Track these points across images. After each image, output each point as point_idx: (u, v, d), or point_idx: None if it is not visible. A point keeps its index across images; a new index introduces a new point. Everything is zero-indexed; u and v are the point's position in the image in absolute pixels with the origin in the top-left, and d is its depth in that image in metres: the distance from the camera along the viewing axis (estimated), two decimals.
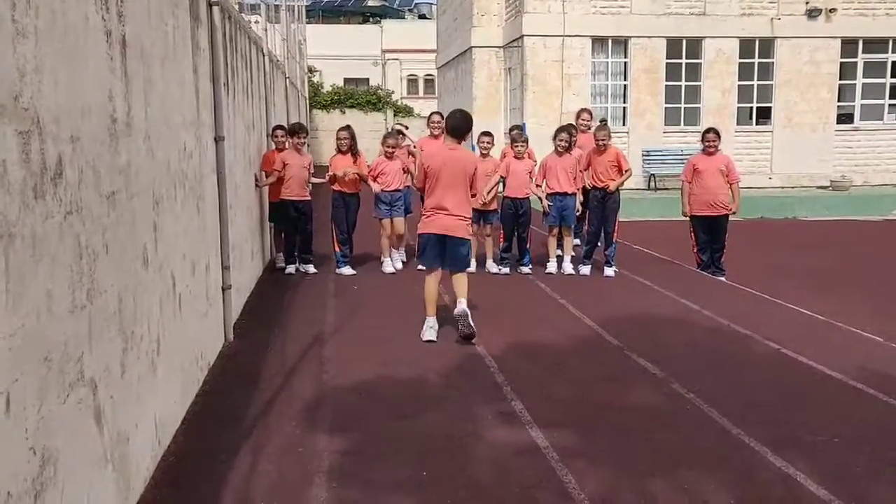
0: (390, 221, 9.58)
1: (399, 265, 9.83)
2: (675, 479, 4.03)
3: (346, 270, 9.47)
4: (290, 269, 9.48)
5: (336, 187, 9.39)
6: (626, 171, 9.43)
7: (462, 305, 6.64)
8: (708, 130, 9.72)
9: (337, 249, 9.59)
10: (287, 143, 9.34)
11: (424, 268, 6.98)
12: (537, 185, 9.56)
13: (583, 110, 10.92)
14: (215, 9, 6.25)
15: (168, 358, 4.38)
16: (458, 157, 6.69)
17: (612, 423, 4.83)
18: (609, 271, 9.47)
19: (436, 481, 4.00)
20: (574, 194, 9.49)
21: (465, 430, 4.66)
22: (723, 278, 9.48)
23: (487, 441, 4.51)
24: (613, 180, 9.39)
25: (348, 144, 9.36)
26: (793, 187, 20.90)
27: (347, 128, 9.60)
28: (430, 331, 6.67)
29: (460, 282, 6.75)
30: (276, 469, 4.13)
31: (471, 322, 6.58)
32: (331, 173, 9.34)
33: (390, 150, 9.54)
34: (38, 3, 2.65)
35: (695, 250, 9.91)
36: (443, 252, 6.71)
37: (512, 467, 4.17)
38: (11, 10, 2.45)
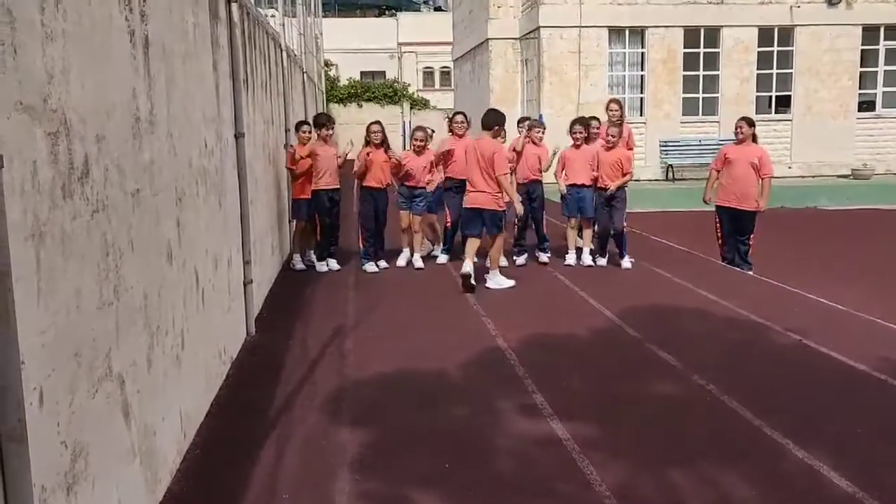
0: (408, 214, 9.54)
1: (419, 263, 9.60)
2: (697, 471, 4.04)
3: (370, 268, 9.40)
4: (322, 267, 9.45)
5: (365, 183, 9.33)
6: (626, 175, 9.40)
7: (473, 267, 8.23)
8: (740, 118, 9.53)
9: (361, 246, 9.61)
10: (314, 136, 9.37)
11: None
12: (556, 174, 9.59)
13: (612, 101, 10.77)
14: (234, 5, 6.29)
15: (192, 352, 4.44)
16: (478, 145, 8.31)
17: (633, 414, 4.84)
18: (626, 263, 9.45)
19: (458, 473, 4.03)
20: (591, 186, 9.47)
21: (487, 423, 4.69)
22: (750, 272, 9.36)
23: (508, 433, 4.54)
24: (613, 181, 9.35)
25: (381, 137, 9.32)
26: (813, 176, 20.75)
27: (379, 122, 9.55)
28: (466, 267, 8.23)
29: (492, 244, 8.38)
30: (300, 461, 4.18)
31: (470, 281, 8.17)
32: (359, 163, 9.32)
33: (419, 143, 9.50)
34: (65, 5, 2.70)
35: (719, 242, 9.77)
36: (480, 221, 8.36)
37: (533, 459, 4.20)
38: (41, 14, 2.50)
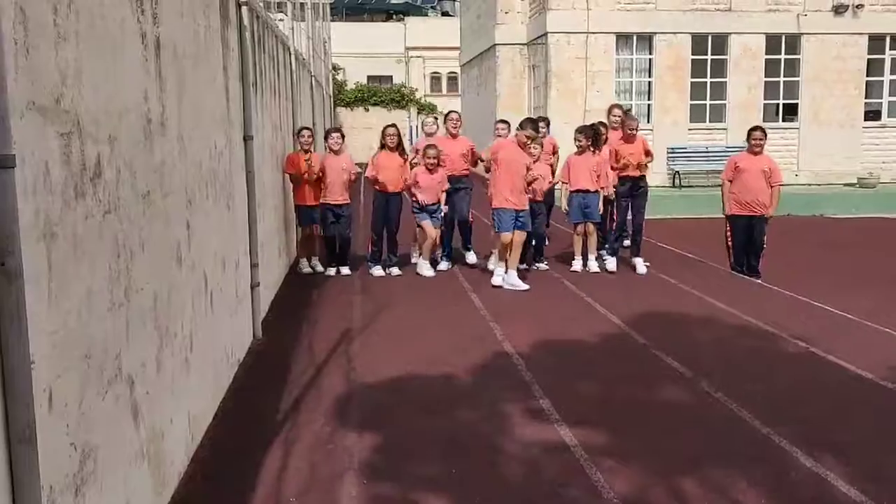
0: (430, 223, 9.28)
1: (430, 272, 9.39)
2: (705, 478, 4.02)
3: (377, 271, 9.38)
4: (331, 271, 9.39)
5: (378, 186, 9.25)
6: (649, 154, 9.65)
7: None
8: (755, 128, 9.50)
9: (369, 249, 9.59)
10: (325, 148, 9.34)
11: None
12: (563, 183, 9.60)
13: (614, 105, 10.80)
14: (244, 9, 6.31)
15: (200, 355, 4.44)
16: None
17: (641, 421, 4.83)
18: (641, 268, 9.46)
19: (465, 478, 4.02)
20: (597, 192, 9.47)
21: (494, 428, 4.68)
22: (758, 280, 9.34)
23: (516, 438, 4.53)
24: (645, 167, 9.57)
25: (396, 141, 9.24)
26: (819, 184, 20.69)
27: (395, 126, 9.47)
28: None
29: None
30: (307, 465, 4.17)
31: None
32: (369, 174, 9.23)
33: (432, 161, 9.21)
34: (78, 6, 2.70)
35: (729, 251, 9.73)
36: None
37: (541, 465, 4.19)
38: (54, 15, 2.50)
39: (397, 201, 9.35)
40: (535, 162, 9.10)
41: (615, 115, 10.40)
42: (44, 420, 2.32)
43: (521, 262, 9.48)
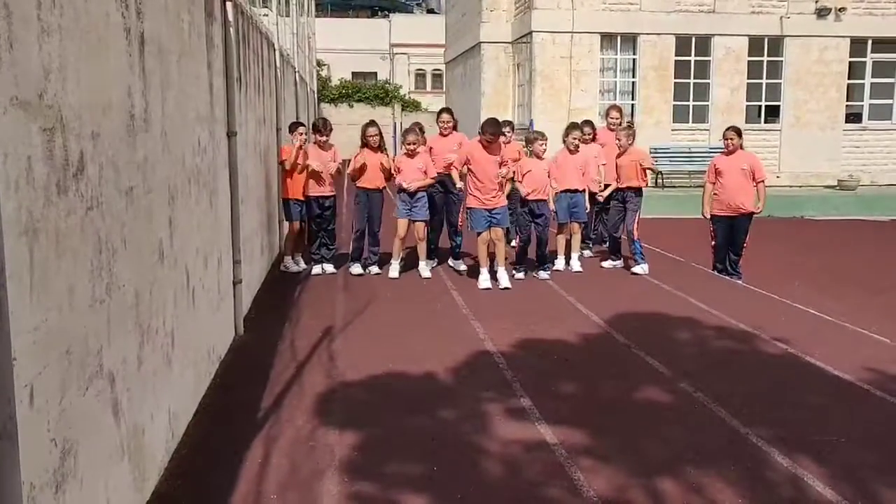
0: (406, 223, 9.17)
1: (427, 273, 9.24)
2: (684, 477, 4.06)
3: (356, 269, 9.34)
4: (316, 269, 9.35)
5: (360, 184, 9.24)
6: (650, 168, 9.73)
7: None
8: (727, 129, 9.57)
9: (351, 247, 9.57)
10: (311, 140, 9.34)
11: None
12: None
13: (612, 107, 10.78)
14: (228, 5, 6.28)
15: (182, 351, 4.43)
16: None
17: (621, 420, 4.86)
18: (638, 269, 9.48)
19: (445, 477, 4.03)
20: (584, 191, 9.51)
21: (475, 426, 4.70)
22: (739, 281, 9.41)
23: (496, 437, 4.55)
24: (637, 181, 9.53)
25: (378, 140, 9.22)
26: (800, 186, 20.88)
27: (375, 124, 9.41)
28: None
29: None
30: (288, 462, 4.17)
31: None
32: (352, 169, 9.22)
33: (411, 146, 9.20)
34: (62, 1, 2.69)
35: (713, 251, 9.81)
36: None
37: (521, 464, 4.21)
38: (37, 9, 2.49)
39: (379, 199, 9.34)
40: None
41: (612, 118, 10.39)
42: (25, 417, 2.31)
43: (520, 262, 9.28)
